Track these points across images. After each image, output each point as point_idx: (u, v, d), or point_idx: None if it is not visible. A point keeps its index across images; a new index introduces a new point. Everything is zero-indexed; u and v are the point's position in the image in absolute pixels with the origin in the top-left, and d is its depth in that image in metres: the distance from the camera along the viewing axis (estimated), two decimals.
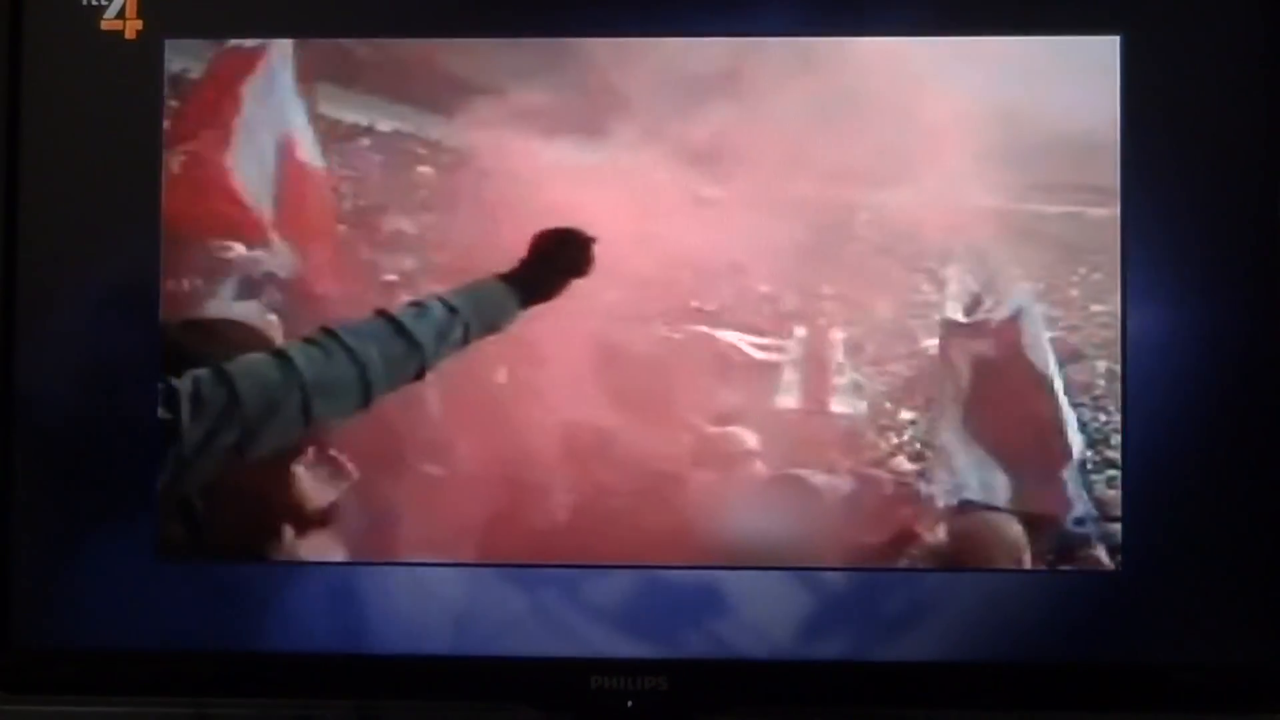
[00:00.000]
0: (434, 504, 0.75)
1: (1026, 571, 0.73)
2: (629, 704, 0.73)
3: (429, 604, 0.74)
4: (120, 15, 0.75)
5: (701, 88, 0.75)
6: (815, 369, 0.75)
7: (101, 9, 0.75)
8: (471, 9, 0.76)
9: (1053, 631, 0.72)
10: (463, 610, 0.74)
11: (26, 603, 0.74)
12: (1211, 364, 0.72)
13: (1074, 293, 0.75)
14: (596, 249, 0.75)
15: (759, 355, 0.76)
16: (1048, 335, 0.74)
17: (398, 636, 0.74)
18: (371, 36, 0.76)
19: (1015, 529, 0.73)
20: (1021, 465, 0.74)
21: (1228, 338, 0.72)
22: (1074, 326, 0.74)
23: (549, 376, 0.76)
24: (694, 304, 0.76)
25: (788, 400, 0.76)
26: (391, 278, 0.76)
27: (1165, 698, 0.72)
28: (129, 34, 0.75)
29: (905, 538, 0.74)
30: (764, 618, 0.73)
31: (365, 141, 0.77)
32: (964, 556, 0.73)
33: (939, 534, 0.74)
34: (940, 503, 0.74)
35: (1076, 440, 0.74)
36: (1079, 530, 0.73)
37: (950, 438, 0.75)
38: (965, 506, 0.74)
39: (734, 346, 0.76)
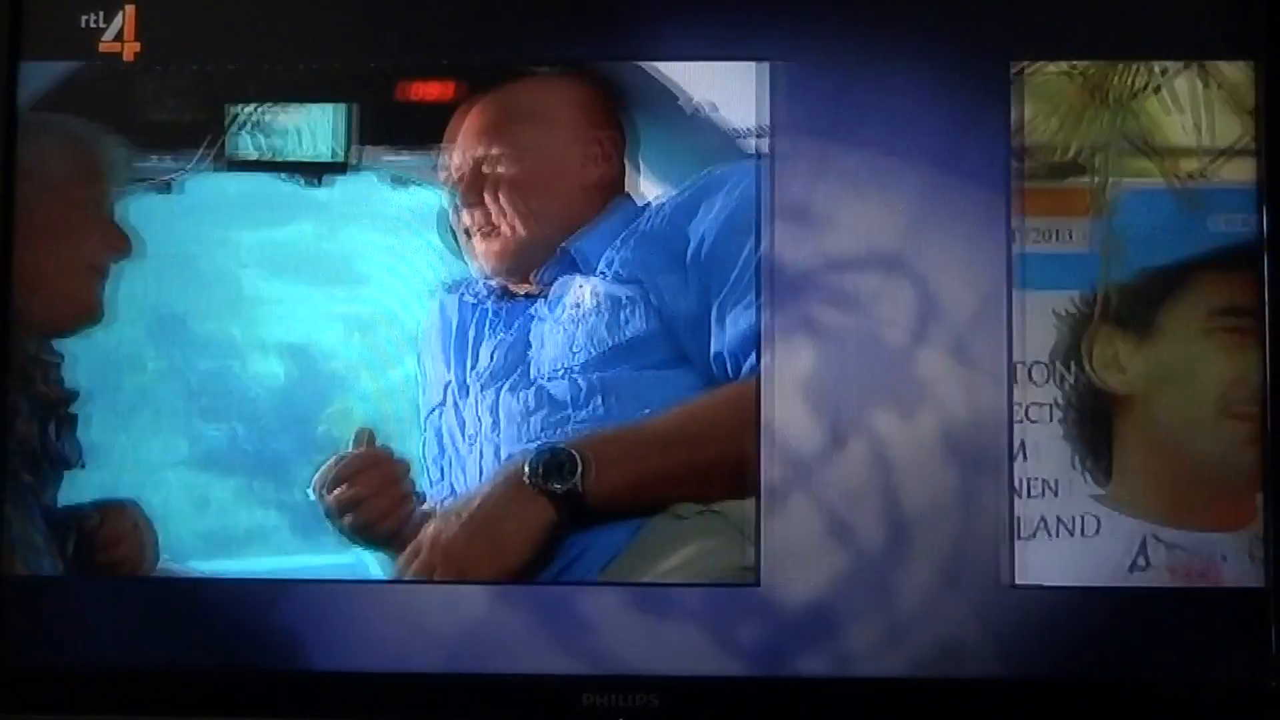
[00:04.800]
0: None
1: (1022, 587, 0.73)
2: None
3: (421, 622, 0.74)
4: (119, 37, 0.76)
5: None
6: None
7: (100, 31, 0.76)
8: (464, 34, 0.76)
9: (1044, 648, 0.72)
10: (454, 628, 0.74)
11: (19, 621, 0.74)
12: None
13: None
14: None
15: None
16: None
17: (391, 654, 0.74)
18: (368, 63, 0.76)
19: None
20: None
21: None
22: None
23: None
24: None
25: None
26: None
27: (1153, 714, 0.72)
28: (127, 56, 0.76)
29: None
30: (755, 635, 0.73)
31: None
32: None
33: None
34: None
35: None
36: None
37: None
38: None
39: None
